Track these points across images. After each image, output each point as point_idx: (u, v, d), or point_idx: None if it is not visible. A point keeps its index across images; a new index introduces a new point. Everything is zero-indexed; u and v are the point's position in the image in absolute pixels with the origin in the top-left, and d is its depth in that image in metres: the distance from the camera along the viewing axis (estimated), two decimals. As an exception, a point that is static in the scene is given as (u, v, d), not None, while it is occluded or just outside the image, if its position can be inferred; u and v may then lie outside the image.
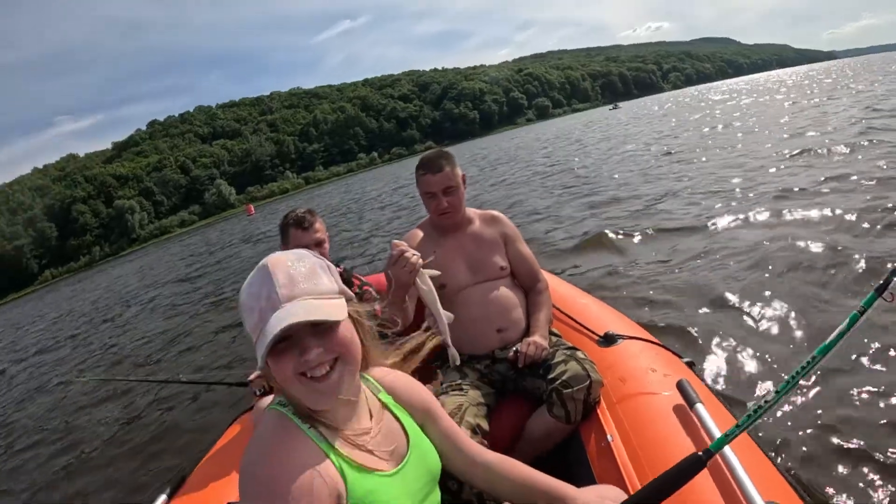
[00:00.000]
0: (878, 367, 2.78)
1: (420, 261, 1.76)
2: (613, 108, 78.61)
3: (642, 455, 1.62)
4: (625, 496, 1.21)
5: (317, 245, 2.43)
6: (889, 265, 1.05)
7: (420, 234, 2.36)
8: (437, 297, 1.78)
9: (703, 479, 1.34)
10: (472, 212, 2.43)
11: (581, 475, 1.81)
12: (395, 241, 1.74)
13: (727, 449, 1.32)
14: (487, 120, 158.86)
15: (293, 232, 2.44)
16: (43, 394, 8.10)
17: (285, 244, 2.47)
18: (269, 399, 2.20)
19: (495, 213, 2.48)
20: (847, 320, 1.15)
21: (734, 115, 21.35)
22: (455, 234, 2.35)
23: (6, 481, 4.97)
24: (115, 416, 5.69)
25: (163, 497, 2.05)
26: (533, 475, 1.28)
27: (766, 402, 1.15)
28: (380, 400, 1.21)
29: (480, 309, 2.21)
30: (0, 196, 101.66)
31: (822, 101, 19.06)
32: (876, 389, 2.61)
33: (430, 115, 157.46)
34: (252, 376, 2.55)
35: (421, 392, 1.29)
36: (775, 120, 15.42)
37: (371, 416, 1.15)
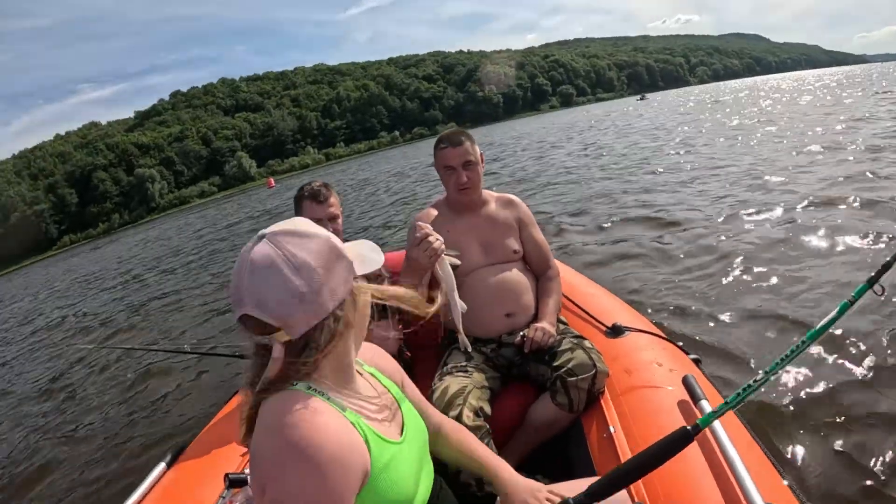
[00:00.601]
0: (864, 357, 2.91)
1: (443, 246, 1.75)
2: (641, 99, 78.05)
3: (643, 448, 1.56)
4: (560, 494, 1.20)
5: (331, 220, 2.38)
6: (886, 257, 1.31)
7: (434, 212, 2.31)
8: (455, 285, 1.78)
9: (696, 455, 1.42)
10: (488, 194, 2.42)
11: (581, 465, 1.85)
12: (419, 222, 1.73)
13: (720, 430, 1.38)
14: (511, 104, 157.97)
15: (307, 204, 2.38)
16: (44, 360, 8.10)
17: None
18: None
19: (511, 196, 2.47)
20: (837, 309, 1.24)
21: (759, 111, 21.62)
22: (470, 215, 2.34)
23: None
24: (115, 384, 5.73)
25: (162, 466, 2.06)
26: (473, 446, 1.37)
27: (755, 381, 1.19)
28: (368, 372, 1.22)
29: (490, 291, 2.20)
30: (22, 161, 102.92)
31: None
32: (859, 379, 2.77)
33: (454, 97, 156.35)
34: None
35: (394, 362, 1.32)
36: (810, 122, 15.15)
37: (372, 388, 1.16)
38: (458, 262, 1.82)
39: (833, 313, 1.24)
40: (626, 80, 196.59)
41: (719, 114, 24.06)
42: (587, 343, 2.05)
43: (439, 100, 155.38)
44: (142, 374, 5.74)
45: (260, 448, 0.91)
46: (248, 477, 1.67)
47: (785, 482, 1.44)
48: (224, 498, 1.76)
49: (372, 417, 1.05)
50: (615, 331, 2.24)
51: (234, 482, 1.67)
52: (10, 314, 16.63)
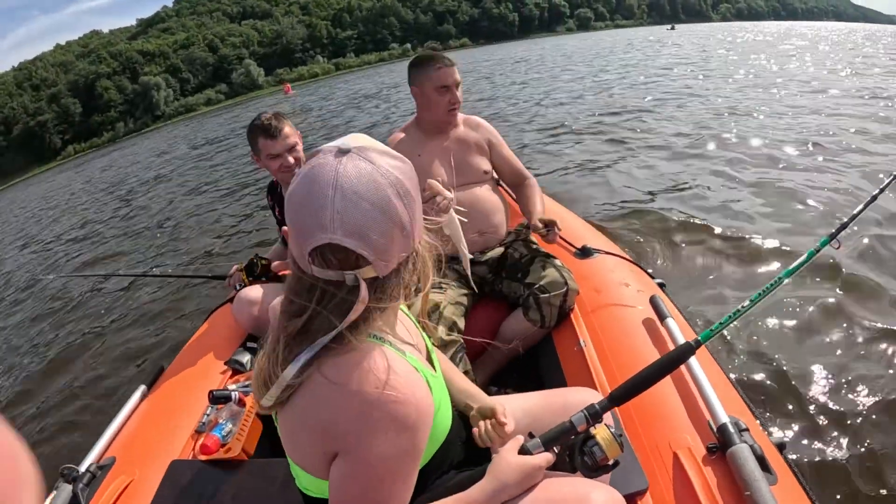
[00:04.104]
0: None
1: (451, 205, 1.75)
2: (671, 29, 76.44)
3: (613, 361, 1.74)
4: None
5: (289, 150, 2.34)
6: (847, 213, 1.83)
7: (402, 135, 2.36)
8: (462, 236, 1.79)
9: (669, 388, 1.55)
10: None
11: (553, 377, 1.96)
12: (431, 181, 1.74)
13: (693, 360, 1.49)
14: (527, 24, 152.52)
15: (262, 141, 2.32)
16: (13, 291, 7.81)
17: (256, 154, 2.39)
18: (250, 290, 2.35)
19: (478, 118, 2.49)
20: (806, 255, 1.61)
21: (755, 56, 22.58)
22: (440, 137, 2.34)
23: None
24: (88, 312, 5.60)
25: (142, 388, 2.10)
26: (451, 373, 1.33)
27: (742, 306, 1.42)
28: None
29: (463, 212, 2.15)
30: (22, 73, 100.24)
31: None
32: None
33: (469, 12, 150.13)
34: (232, 270, 2.61)
35: None
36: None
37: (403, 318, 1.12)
38: (465, 219, 1.81)
39: (802, 258, 1.59)
40: (647, 8, 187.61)
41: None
42: (558, 262, 2.11)
43: (453, 14, 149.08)
44: (114, 301, 5.62)
45: (336, 412, 0.82)
46: (234, 393, 1.81)
47: (743, 400, 1.58)
48: (208, 414, 1.82)
49: (418, 355, 1.02)
50: (584, 252, 2.33)
51: (217, 398, 1.78)
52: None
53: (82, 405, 3.69)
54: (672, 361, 1.25)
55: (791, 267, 1.56)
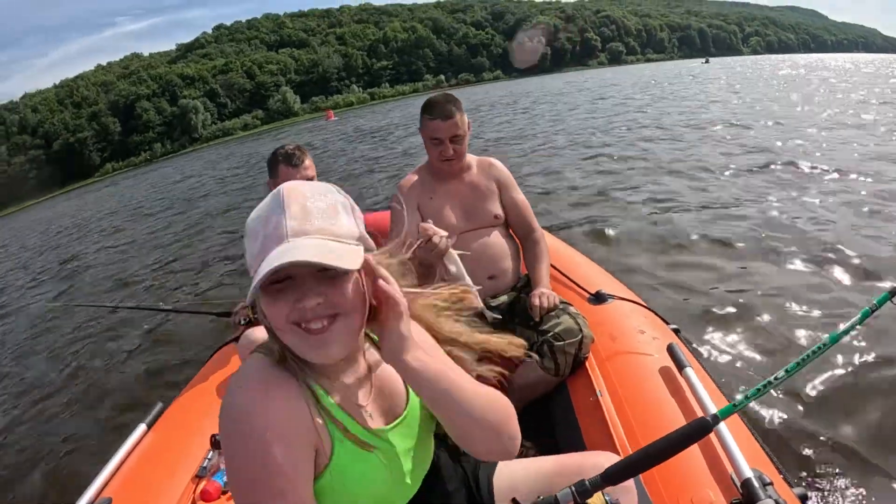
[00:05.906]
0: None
1: (449, 243, 1.77)
2: (705, 62, 77.30)
3: (630, 412, 1.68)
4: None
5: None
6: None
7: (415, 178, 2.35)
8: (465, 274, 1.80)
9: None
10: (469, 157, 2.42)
11: (568, 428, 1.89)
12: (423, 224, 1.73)
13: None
14: (558, 57, 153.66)
15: (283, 168, 2.37)
16: (14, 319, 7.69)
17: (273, 180, 2.42)
18: (256, 330, 2.25)
19: (492, 159, 2.48)
20: (859, 314, 1.38)
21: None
22: (452, 181, 2.35)
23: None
24: (91, 344, 5.53)
25: (142, 427, 2.04)
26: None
27: (775, 378, 1.25)
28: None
29: (473, 256, 2.16)
30: (64, 91, 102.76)
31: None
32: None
33: (502, 45, 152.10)
34: (237, 307, 2.58)
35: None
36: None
37: (369, 369, 1.04)
38: (466, 252, 1.83)
39: (855, 318, 1.37)
40: (678, 42, 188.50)
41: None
42: (573, 309, 2.08)
43: (487, 47, 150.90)
44: (118, 333, 5.57)
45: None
46: None
47: (765, 452, 1.52)
48: (210, 459, 1.76)
49: (345, 401, 0.96)
50: (598, 298, 2.28)
51: (219, 443, 1.68)
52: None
53: (79, 441, 3.61)
54: (684, 438, 1.16)
55: (840, 330, 1.32)
